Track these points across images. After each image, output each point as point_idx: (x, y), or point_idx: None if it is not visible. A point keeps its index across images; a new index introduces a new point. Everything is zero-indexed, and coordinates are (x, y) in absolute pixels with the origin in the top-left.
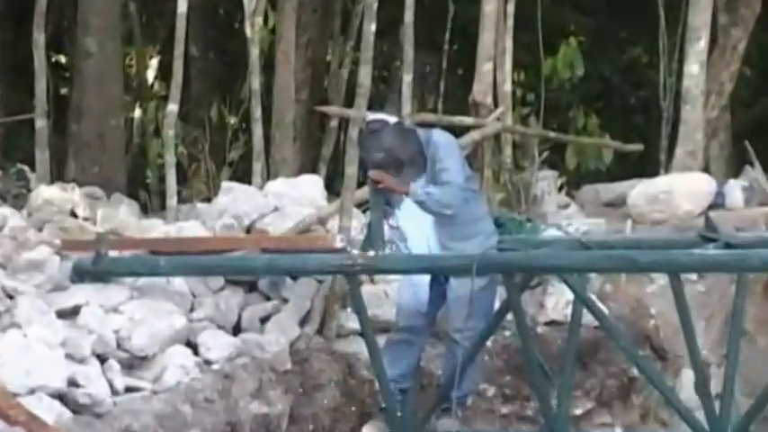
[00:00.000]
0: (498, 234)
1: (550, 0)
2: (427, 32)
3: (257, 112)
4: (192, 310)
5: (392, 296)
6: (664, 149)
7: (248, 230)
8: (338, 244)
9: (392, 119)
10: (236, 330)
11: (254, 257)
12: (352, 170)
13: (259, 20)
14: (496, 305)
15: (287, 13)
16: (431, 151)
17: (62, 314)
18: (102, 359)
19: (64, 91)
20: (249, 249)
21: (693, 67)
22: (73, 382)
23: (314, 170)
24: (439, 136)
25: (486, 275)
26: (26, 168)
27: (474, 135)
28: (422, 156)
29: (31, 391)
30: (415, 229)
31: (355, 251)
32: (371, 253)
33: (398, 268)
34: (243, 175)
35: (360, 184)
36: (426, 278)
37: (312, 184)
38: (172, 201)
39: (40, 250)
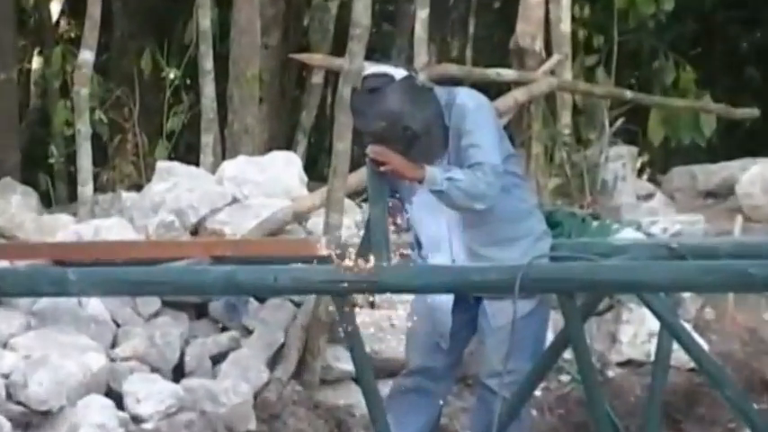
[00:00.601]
0: (552, 237)
1: None
2: None
3: (207, 63)
4: (114, 344)
5: (400, 325)
6: None
7: (195, 231)
8: (323, 250)
9: (400, 72)
10: (179, 374)
11: (204, 270)
12: (343, 145)
13: None
14: (549, 338)
15: None
16: (455, 119)
17: None
18: None
19: None
20: (197, 258)
21: None
22: None
23: (289, 145)
24: (466, 97)
25: (535, 296)
26: None
27: (517, 95)
28: (442, 126)
29: None
30: (432, 230)
31: (348, 261)
32: (371, 263)
33: (409, 285)
34: (187, 152)
35: (354, 166)
36: (448, 300)
37: (286, 166)
38: (86, 189)
39: None
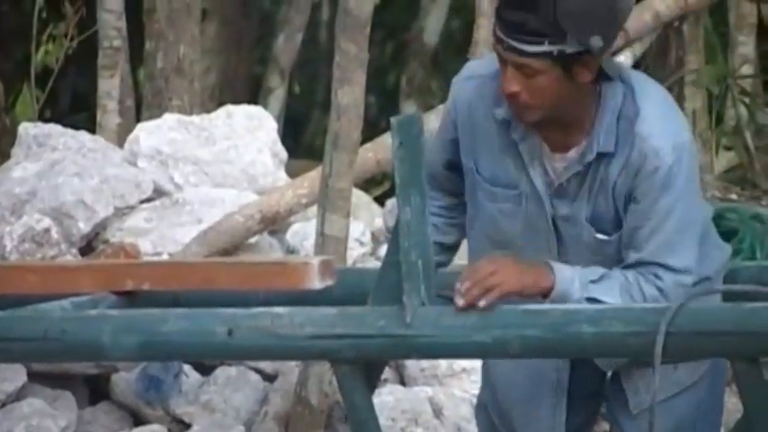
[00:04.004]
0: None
1: None
2: None
3: None
4: None
5: (455, 415)
6: None
7: (89, 245)
8: (315, 281)
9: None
10: None
11: (102, 317)
12: (350, 96)
13: None
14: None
15: None
16: (634, 163)
17: None
18: None
19: None
20: (90, 295)
21: None
22: None
23: (254, 96)
24: (660, 129)
25: (699, 365)
26: None
27: (659, 6)
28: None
29: None
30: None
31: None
32: (409, 307)
33: (468, 341)
34: (74, 108)
35: (370, 131)
36: (541, 370)
37: (250, 132)
38: None
39: None
